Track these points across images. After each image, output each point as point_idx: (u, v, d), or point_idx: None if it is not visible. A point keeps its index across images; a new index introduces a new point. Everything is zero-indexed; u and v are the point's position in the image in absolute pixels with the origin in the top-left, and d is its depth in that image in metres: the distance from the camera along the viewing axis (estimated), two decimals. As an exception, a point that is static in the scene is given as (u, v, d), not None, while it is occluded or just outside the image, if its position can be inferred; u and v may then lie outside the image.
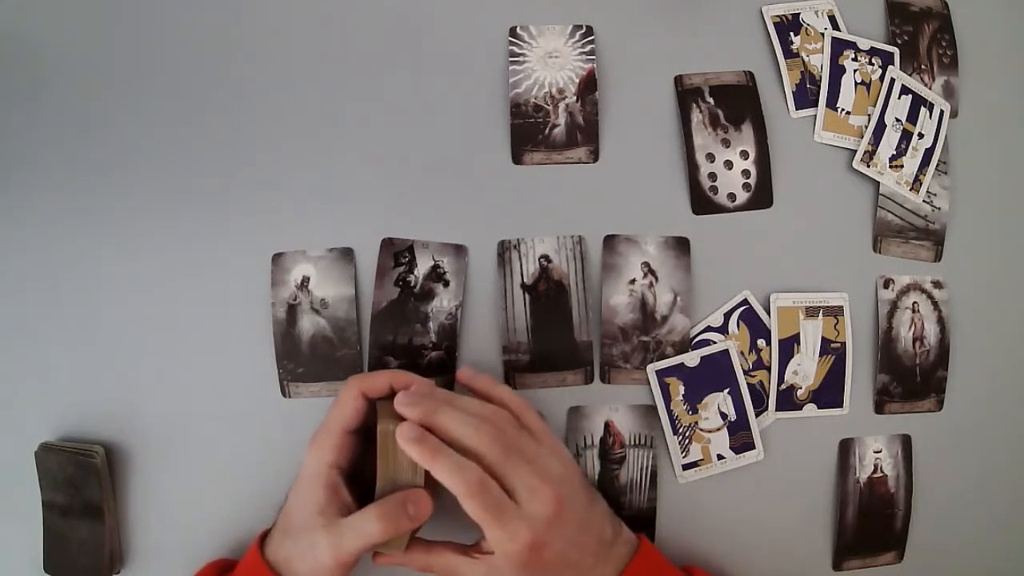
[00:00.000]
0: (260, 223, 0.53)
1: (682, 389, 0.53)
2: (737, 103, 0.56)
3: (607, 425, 0.53)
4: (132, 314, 0.53)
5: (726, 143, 0.55)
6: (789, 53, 0.57)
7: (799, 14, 0.58)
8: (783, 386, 0.54)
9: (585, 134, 0.54)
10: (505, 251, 0.53)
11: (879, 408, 0.56)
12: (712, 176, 0.55)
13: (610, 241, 0.54)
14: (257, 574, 0.44)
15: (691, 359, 0.54)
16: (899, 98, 0.57)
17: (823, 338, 0.55)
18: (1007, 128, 0.59)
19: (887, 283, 0.56)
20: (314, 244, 0.53)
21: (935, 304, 0.56)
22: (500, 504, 0.42)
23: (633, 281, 0.54)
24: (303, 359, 0.52)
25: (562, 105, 0.54)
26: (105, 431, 0.52)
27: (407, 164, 0.54)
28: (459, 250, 0.53)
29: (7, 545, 0.52)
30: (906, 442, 0.56)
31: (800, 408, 0.55)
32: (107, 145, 0.53)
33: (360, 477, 0.47)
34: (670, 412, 0.53)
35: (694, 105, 0.55)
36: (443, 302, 0.53)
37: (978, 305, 0.57)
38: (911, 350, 0.56)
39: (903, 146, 0.57)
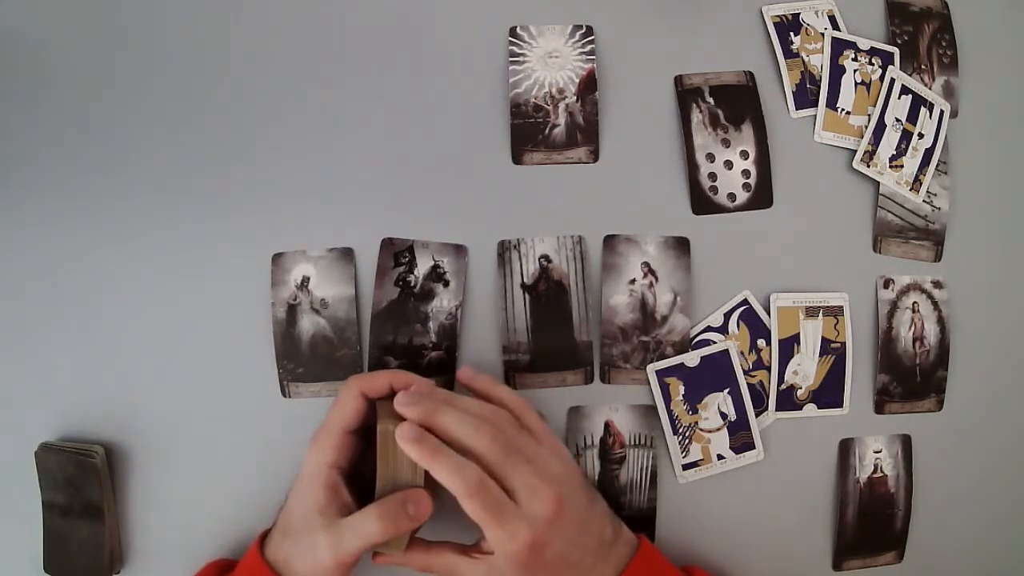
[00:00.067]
0: (260, 223, 0.53)
1: (682, 389, 0.53)
2: (737, 103, 0.56)
3: (607, 425, 0.53)
4: (132, 314, 0.53)
5: (726, 143, 0.55)
6: (789, 53, 0.57)
7: (799, 14, 0.58)
8: (783, 386, 0.54)
9: (585, 134, 0.54)
10: (505, 251, 0.53)
11: (879, 408, 0.56)
12: (712, 176, 0.55)
13: (610, 241, 0.54)
14: (257, 574, 0.44)
15: (691, 359, 0.54)
16: (899, 98, 0.57)
17: (823, 338, 0.55)
18: (1007, 128, 0.59)
19: (887, 283, 0.56)
20: (314, 244, 0.53)
21: (935, 304, 0.56)
22: (500, 504, 0.42)
23: (633, 281, 0.54)
24: (303, 359, 0.52)
25: (562, 105, 0.54)
26: (105, 431, 0.52)
27: (407, 164, 0.54)
28: (459, 250, 0.53)
29: (7, 545, 0.52)
30: (906, 442, 0.56)
31: (800, 408, 0.55)
32: (107, 145, 0.53)
33: (360, 477, 0.47)
34: (670, 412, 0.53)
35: (694, 105, 0.55)
36: (443, 302, 0.53)
37: (978, 305, 0.57)
38: (911, 350, 0.56)
39: (903, 146, 0.57)
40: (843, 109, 0.57)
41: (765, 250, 0.55)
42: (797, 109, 0.56)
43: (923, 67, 0.58)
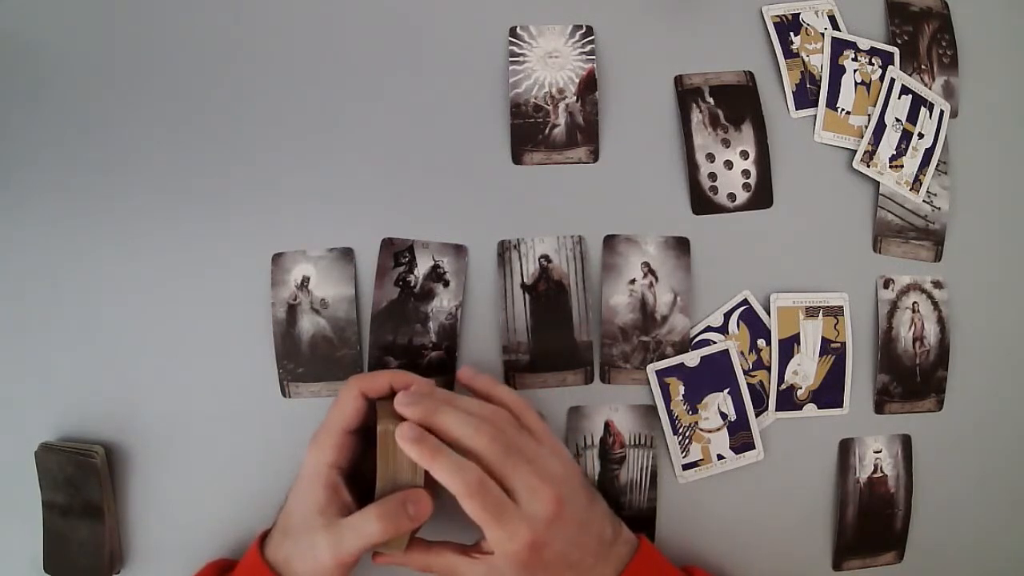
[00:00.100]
0: (260, 223, 0.53)
1: (682, 389, 0.53)
2: (737, 103, 0.56)
3: (607, 425, 0.53)
4: (132, 314, 0.53)
5: (726, 143, 0.55)
6: (789, 53, 0.57)
7: (799, 14, 0.58)
8: (783, 386, 0.54)
9: (585, 134, 0.54)
10: (505, 251, 0.53)
11: (879, 408, 0.56)
12: (712, 176, 0.55)
13: (610, 241, 0.54)
14: (257, 574, 0.44)
15: (691, 359, 0.54)
16: (899, 98, 0.57)
17: (823, 338, 0.55)
18: (1007, 128, 0.59)
19: (887, 283, 0.56)
20: (314, 244, 0.53)
21: (935, 304, 0.56)
22: (500, 504, 0.42)
23: (633, 281, 0.54)
24: (303, 359, 0.52)
25: (562, 105, 0.54)
26: (105, 431, 0.52)
27: (407, 164, 0.54)
28: (459, 250, 0.53)
29: (7, 545, 0.52)
30: (906, 442, 0.56)
31: (800, 408, 0.55)
32: (107, 145, 0.53)
33: (360, 477, 0.47)
34: (670, 412, 0.53)
35: (694, 105, 0.55)
36: (443, 302, 0.53)
37: (978, 305, 0.57)
38: (911, 350, 0.56)
39: (903, 146, 0.57)
40: (843, 109, 0.57)
41: (765, 250, 0.55)
42: (797, 109, 0.56)
43: (923, 67, 0.58)
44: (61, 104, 0.54)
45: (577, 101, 0.54)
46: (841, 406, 0.55)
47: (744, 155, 0.55)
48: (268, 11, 0.55)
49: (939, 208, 0.57)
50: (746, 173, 0.55)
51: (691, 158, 0.55)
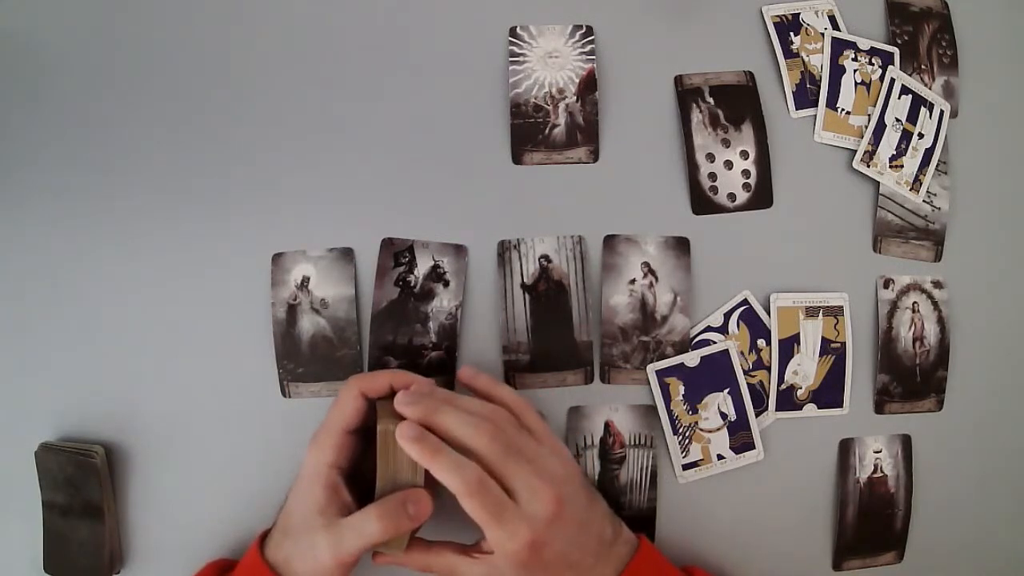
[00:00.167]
0: (260, 223, 0.53)
1: (682, 389, 0.53)
2: (737, 103, 0.56)
3: (607, 425, 0.53)
4: (132, 314, 0.53)
5: (726, 143, 0.55)
6: (789, 53, 0.57)
7: (799, 14, 0.58)
8: (783, 386, 0.54)
9: (585, 134, 0.54)
10: (505, 251, 0.53)
11: (879, 408, 0.56)
12: (712, 176, 0.55)
13: (610, 241, 0.54)
14: (257, 574, 0.44)
15: (691, 359, 0.54)
16: (899, 98, 0.57)
17: (823, 338, 0.55)
18: (1007, 128, 0.59)
19: (887, 283, 0.56)
20: (314, 244, 0.53)
21: (935, 304, 0.56)
22: (500, 503, 0.42)
23: (633, 281, 0.54)
24: (303, 359, 0.52)
25: (562, 105, 0.54)
26: (105, 431, 0.52)
27: (407, 164, 0.54)
28: (459, 250, 0.53)
29: (7, 545, 0.52)
30: (906, 442, 0.56)
31: (800, 408, 0.55)
32: (107, 145, 0.53)
33: (360, 477, 0.47)
34: (670, 412, 0.53)
35: (694, 105, 0.55)
36: (443, 302, 0.53)
37: (978, 305, 0.57)
38: (911, 350, 0.56)
39: (903, 146, 0.57)
40: (843, 109, 0.57)
41: (765, 250, 0.55)
42: (797, 109, 0.56)
43: (923, 67, 0.58)
44: (61, 104, 0.54)
45: (577, 101, 0.54)
46: (841, 406, 0.55)
47: (744, 155, 0.55)
48: (268, 11, 0.55)
49: (939, 208, 0.57)
50: (746, 173, 0.55)
51: (691, 158, 0.55)
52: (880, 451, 0.55)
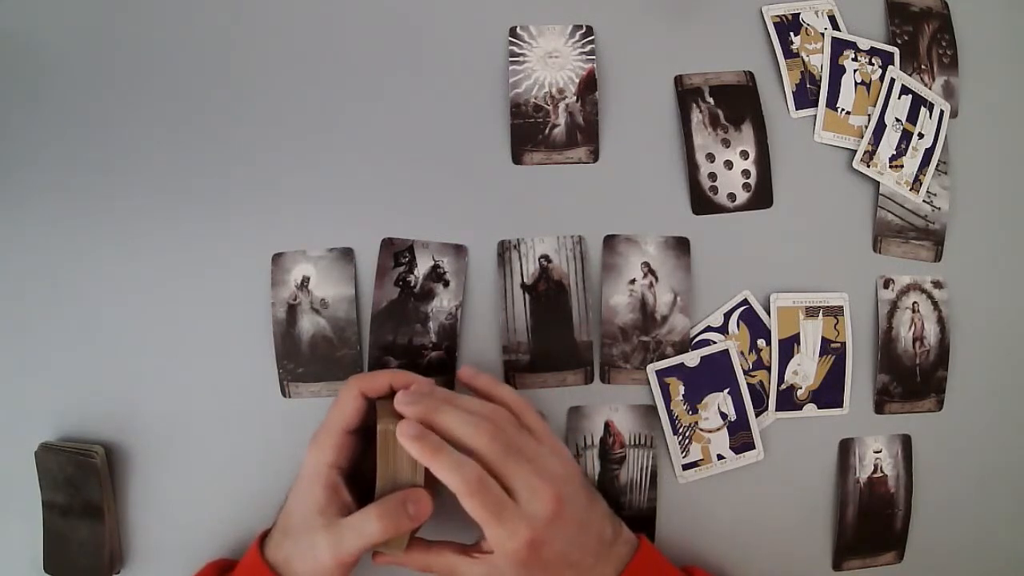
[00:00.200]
0: (260, 223, 0.53)
1: (682, 389, 0.53)
2: (737, 103, 0.56)
3: (607, 425, 0.53)
4: (132, 314, 0.53)
5: (726, 143, 0.55)
6: (789, 53, 0.57)
7: (799, 14, 0.58)
8: (783, 386, 0.54)
9: (585, 134, 0.54)
10: (505, 251, 0.53)
11: (879, 408, 0.56)
12: (712, 176, 0.55)
13: (610, 241, 0.54)
14: (257, 574, 0.44)
15: (691, 359, 0.54)
16: (899, 98, 0.57)
17: (823, 338, 0.55)
18: (1007, 128, 0.59)
19: (887, 283, 0.56)
20: (314, 244, 0.53)
21: (935, 304, 0.56)
22: (500, 502, 0.42)
23: (633, 281, 0.54)
24: (303, 359, 0.52)
25: (562, 105, 0.54)
26: (105, 431, 0.52)
27: (407, 164, 0.54)
28: (459, 250, 0.53)
29: (7, 545, 0.52)
30: (906, 442, 0.56)
31: (800, 408, 0.55)
32: (107, 145, 0.53)
33: (360, 477, 0.47)
34: (670, 412, 0.53)
35: (694, 105, 0.55)
36: (443, 302, 0.53)
37: (978, 305, 0.57)
38: (911, 350, 0.56)
39: (903, 146, 0.57)
40: (843, 109, 0.57)
41: (765, 250, 0.55)
42: (797, 109, 0.56)
43: (923, 67, 0.58)
44: (61, 104, 0.54)
45: (577, 101, 0.54)
46: (841, 406, 0.55)
47: (744, 155, 0.55)
48: (268, 11, 0.55)
49: (939, 208, 0.57)
50: (746, 173, 0.55)
51: (691, 158, 0.55)
52: (880, 451, 0.55)
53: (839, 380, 0.55)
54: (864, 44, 0.58)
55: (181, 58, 0.54)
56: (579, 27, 0.55)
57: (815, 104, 0.56)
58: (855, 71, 0.57)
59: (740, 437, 0.54)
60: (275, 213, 0.53)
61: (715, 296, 0.55)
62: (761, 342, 0.54)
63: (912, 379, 0.56)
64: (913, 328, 0.56)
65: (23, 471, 0.51)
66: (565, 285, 0.53)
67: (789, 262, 0.55)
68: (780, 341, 0.54)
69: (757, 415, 0.54)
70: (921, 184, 0.57)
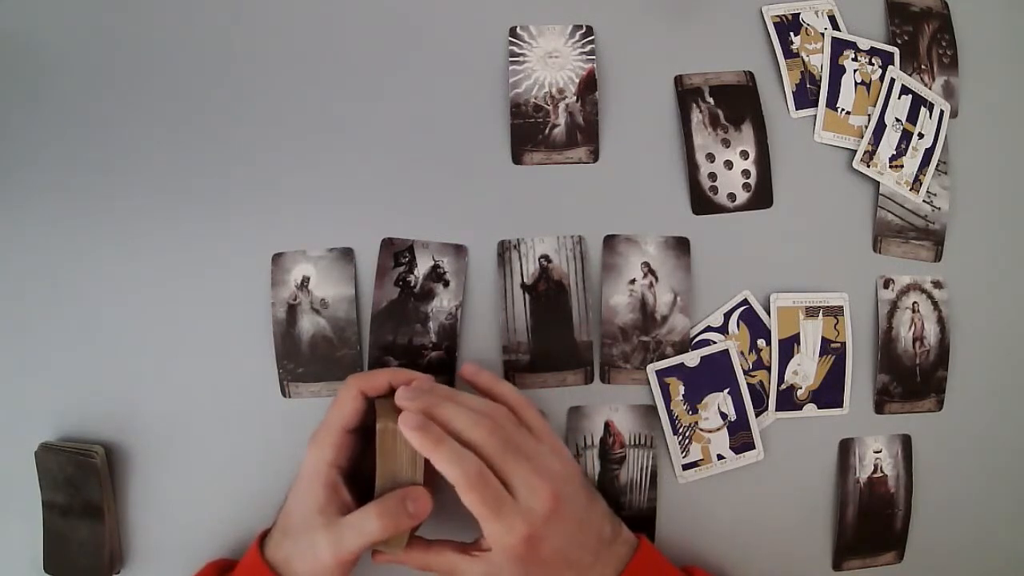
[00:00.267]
0: (260, 223, 0.53)
1: (682, 389, 0.53)
2: (737, 103, 0.56)
3: (607, 425, 0.53)
4: (132, 314, 0.53)
5: (726, 143, 0.55)
6: (789, 53, 0.57)
7: (799, 14, 0.58)
8: (783, 386, 0.54)
9: (585, 134, 0.54)
10: (505, 251, 0.53)
11: (879, 408, 0.56)
12: (712, 176, 0.55)
13: (610, 241, 0.54)
14: (257, 574, 0.44)
15: (691, 359, 0.54)
16: (899, 98, 0.57)
17: (823, 338, 0.55)
18: (1007, 128, 0.59)
19: (887, 283, 0.56)
20: (314, 244, 0.53)
21: (935, 304, 0.56)
22: (498, 497, 0.42)
23: (633, 281, 0.54)
24: (303, 359, 0.52)
25: (562, 105, 0.54)
26: (105, 431, 0.52)
27: (407, 164, 0.54)
28: (459, 250, 0.53)
29: (7, 545, 0.52)
30: (906, 442, 0.56)
31: (800, 408, 0.55)
32: (107, 145, 0.53)
33: (359, 477, 0.47)
34: (670, 412, 0.53)
35: (694, 105, 0.55)
36: (443, 302, 0.53)
37: (978, 305, 0.57)
38: (911, 350, 0.56)
39: (903, 146, 0.57)
40: (843, 109, 0.57)
41: (765, 250, 0.55)
42: (797, 109, 0.56)
43: (923, 67, 0.58)
44: (61, 104, 0.54)
45: (577, 101, 0.54)
46: (841, 406, 0.55)
47: (744, 155, 0.55)
48: (268, 11, 0.55)
49: (939, 208, 0.57)
50: (746, 173, 0.55)
51: (691, 158, 0.55)
52: (880, 451, 0.55)
53: (839, 380, 0.55)
54: (864, 44, 0.58)
55: (181, 58, 0.54)
56: (579, 27, 0.55)
57: (815, 104, 0.56)
58: (855, 71, 0.57)
59: (740, 437, 0.54)
60: (275, 213, 0.53)
61: (715, 296, 0.55)
62: (761, 342, 0.54)
63: (912, 379, 0.56)
64: (913, 328, 0.56)
65: (23, 471, 0.51)
66: (565, 285, 0.53)
67: (789, 262, 0.55)
68: (780, 341, 0.54)
69: (757, 415, 0.54)
70: (921, 184, 0.57)
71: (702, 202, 0.55)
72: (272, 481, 0.50)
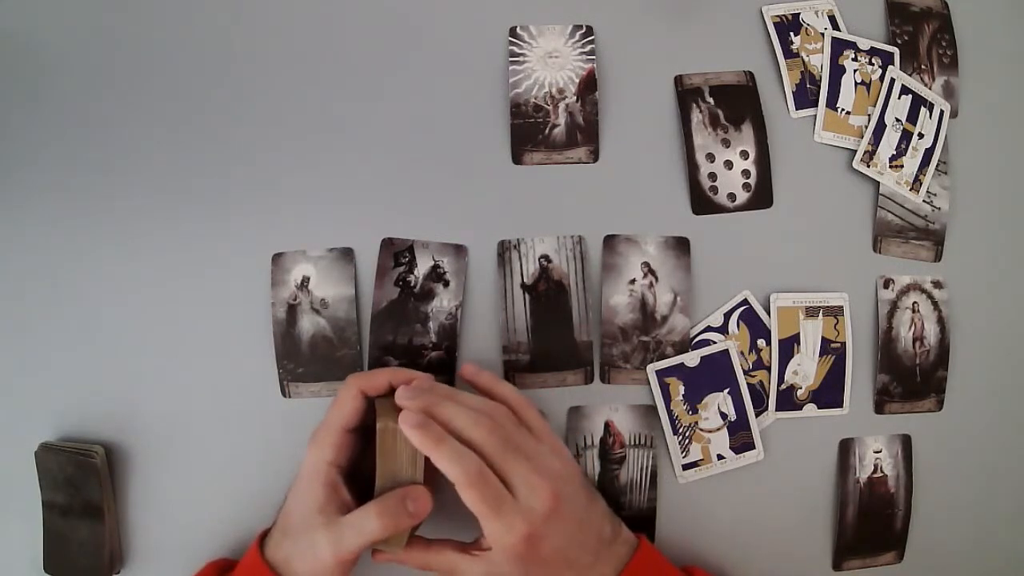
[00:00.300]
0: (260, 223, 0.53)
1: (682, 389, 0.53)
2: (737, 103, 0.56)
3: (607, 425, 0.53)
4: (132, 314, 0.53)
5: (726, 143, 0.55)
6: (789, 53, 0.57)
7: (799, 14, 0.58)
8: (783, 386, 0.54)
9: (585, 134, 0.54)
10: (505, 251, 0.53)
11: (879, 408, 0.56)
12: (712, 176, 0.55)
13: (610, 241, 0.54)
14: (257, 574, 0.44)
15: (691, 359, 0.54)
16: (899, 98, 0.57)
17: (823, 338, 0.55)
18: (1007, 128, 0.59)
19: (887, 283, 0.56)
20: (314, 244, 0.53)
21: (935, 304, 0.56)
22: (498, 496, 0.42)
23: (633, 281, 0.54)
24: (303, 359, 0.52)
25: (562, 105, 0.54)
26: (105, 431, 0.52)
27: (407, 164, 0.54)
28: (459, 250, 0.53)
29: (7, 545, 0.52)
30: (906, 442, 0.56)
31: (800, 408, 0.55)
32: (107, 145, 0.53)
33: (359, 476, 0.47)
34: (670, 412, 0.53)
35: (694, 105, 0.55)
36: (443, 302, 0.53)
37: (978, 305, 0.57)
38: (911, 350, 0.56)
39: (903, 146, 0.57)
40: (843, 109, 0.57)
41: (765, 250, 0.55)
42: (797, 109, 0.56)
43: (923, 67, 0.58)
44: (61, 104, 0.54)
45: (577, 101, 0.54)
46: (841, 406, 0.55)
47: (744, 155, 0.55)
48: (268, 11, 0.55)
49: (939, 208, 0.57)
50: (746, 173, 0.55)
51: (691, 158, 0.55)
52: (880, 451, 0.55)
53: (839, 380, 0.55)
54: (864, 44, 0.58)
55: (181, 58, 0.54)
56: (579, 27, 0.55)
57: (815, 104, 0.56)
58: (855, 71, 0.57)
59: (740, 437, 0.54)
60: (275, 213, 0.53)
61: (715, 296, 0.55)
62: (761, 342, 0.54)
63: (912, 379, 0.56)
64: (913, 328, 0.56)
65: (23, 471, 0.51)
66: (565, 285, 0.53)
67: (789, 262, 0.55)
68: (780, 341, 0.54)
69: (757, 415, 0.54)
70: (921, 184, 0.57)
71: (702, 202, 0.55)
72: (272, 481, 0.50)
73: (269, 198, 0.53)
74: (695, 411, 0.53)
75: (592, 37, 0.55)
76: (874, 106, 0.57)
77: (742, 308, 0.54)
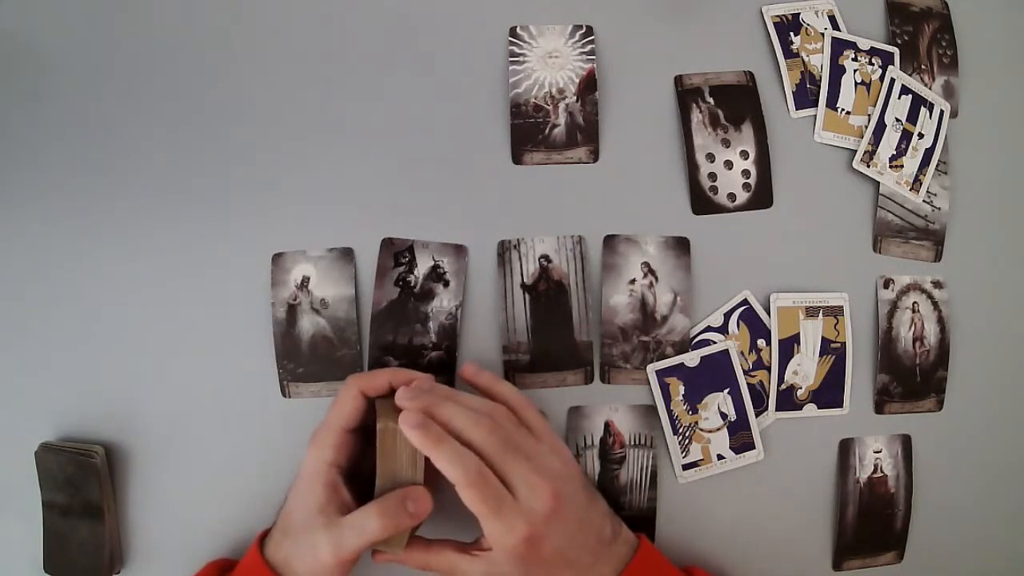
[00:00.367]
0: (260, 223, 0.53)
1: (682, 389, 0.53)
2: (737, 103, 0.56)
3: (607, 425, 0.53)
4: (132, 314, 0.53)
5: (726, 143, 0.55)
6: (789, 53, 0.57)
7: (799, 14, 0.58)
8: (783, 386, 0.54)
9: (585, 134, 0.54)
10: (505, 251, 0.53)
11: (879, 408, 0.56)
12: (712, 176, 0.55)
13: (610, 241, 0.54)
14: (257, 574, 0.44)
15: (691, 359, 0.54)
16: (899, 98, 0.57)
17: (823, 338, 0.55)
18: (1007, 128, 0.59)
19: (887, 283, 0.56)
20: (314, 244, 0.53)
21: (935, 304, 0.56)
22: (499, 496, 0.42)
23: (633, 281, 0.54)
24: (303, 359, 0.52)
25: (562, 105, 0.54)
26: (105, 431, 0.52)
27: (407, 164, 0.54)
28: (459, 250, 0.53)
29: (7, 545, 0.52)
30: (906, 442, 0.56)
31: (800, 408, 0.55)
32: (107, 145, 0.53)
33: (359, 477, 0.47)
34: (670, 412, 0.53)
35: (694, 105, 0.55)
36: (443, 302, 0.53)
37: (978, 305, 0.57)
38: (911, 350, 0.56)
39: (903, 146, 0.57)
40: (843, 109, 0.57)
41: (765, 250, 0.55)
42: (797, 109, 0.56)
43: (923, 67, 0.58)
44: (61, 104, 0.54)
45: (577, 101, 0.54)
46: (841, 406, 0.55)
47: (744, 155, 0.55)
48: (268, 11, 0.55)
49: (939, 208, 0.57)
50: (746, 173, 0.55)
51: (691, 158, 0.55)
52: (880, 451, 0.55)
53: (839, 380, 0.55)
54: (864, 44, 0.58)
55: (181, 58, 0.54)
56: (579, 27, 0.55)
57: (815, 104, 0.56)
58: (855, 71, 0.57)
59: (740, 437, 0.54)
60: (275, 213, 0.53)
61: (715, 296, 0.55)
62: (761, 342, 0.54)
63: (912, 379, 0.56)
64: (913, 328, 0.56)
65: (23, 471, 0.51)
66: (565, 285, 0.53)
67: (789, 262, 0.55)
68: (780, 341, 0.54)
69: (757, 415, 0.54)
70: (921, 184, 0.57)
71: (702, 202, 0.55)
72: (272, 481, 0.50)
73: (269, 198, 0.53)
74: (695, 411, 0.53)
75: (592, 37, 0.55)
76: (874, 106, 0.57)
77: (742, 308, 0.54)
